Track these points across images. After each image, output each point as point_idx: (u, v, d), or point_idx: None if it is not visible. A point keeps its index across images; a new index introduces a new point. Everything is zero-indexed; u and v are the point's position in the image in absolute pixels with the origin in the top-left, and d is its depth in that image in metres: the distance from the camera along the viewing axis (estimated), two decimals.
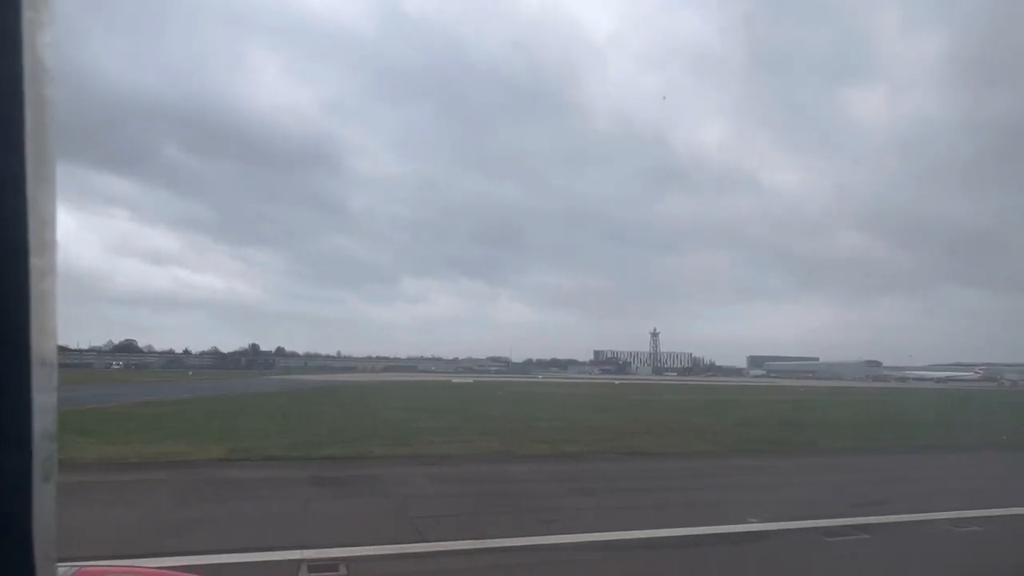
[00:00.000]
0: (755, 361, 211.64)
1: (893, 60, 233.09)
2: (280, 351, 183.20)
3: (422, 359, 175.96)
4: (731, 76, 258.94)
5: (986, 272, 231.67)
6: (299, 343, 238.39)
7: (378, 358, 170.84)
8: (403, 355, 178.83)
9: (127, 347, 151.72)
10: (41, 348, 0.57)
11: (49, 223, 0.58)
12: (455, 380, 71.93)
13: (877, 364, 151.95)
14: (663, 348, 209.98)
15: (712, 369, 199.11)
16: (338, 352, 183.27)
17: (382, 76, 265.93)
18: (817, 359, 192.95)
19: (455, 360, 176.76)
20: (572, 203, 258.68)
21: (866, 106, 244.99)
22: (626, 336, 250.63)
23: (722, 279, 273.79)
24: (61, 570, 1.74)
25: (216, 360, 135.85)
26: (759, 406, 35.59)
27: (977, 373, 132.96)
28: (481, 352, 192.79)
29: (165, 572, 3.52)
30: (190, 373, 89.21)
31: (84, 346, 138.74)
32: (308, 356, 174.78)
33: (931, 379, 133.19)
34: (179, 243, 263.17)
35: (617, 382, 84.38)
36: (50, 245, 0.58)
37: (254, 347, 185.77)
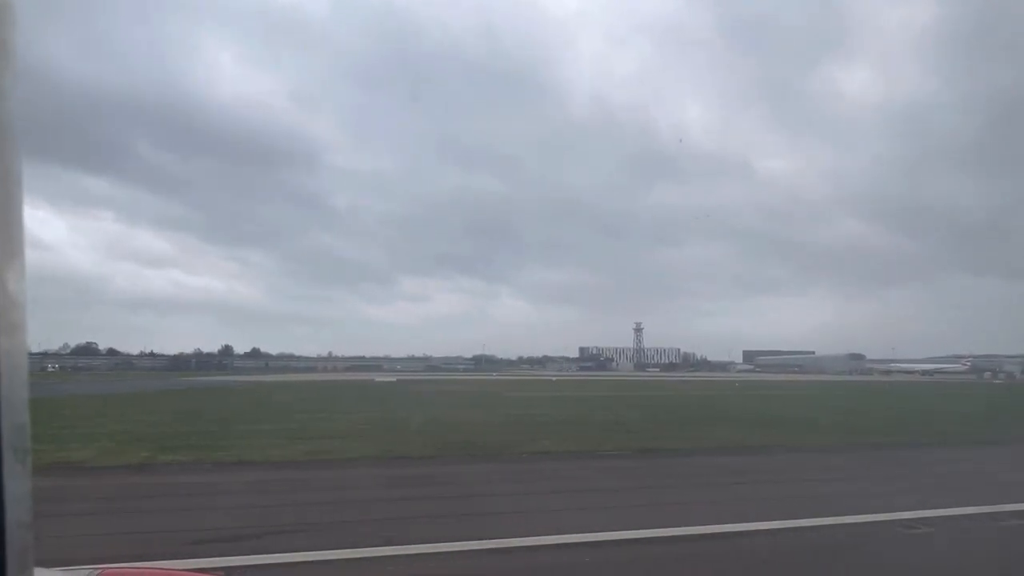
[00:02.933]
0: (749, 356, 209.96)
1: (884, 32, 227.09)
2: (255, 352, 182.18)
3: (413, 358, 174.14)
4: (715, 55, 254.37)
5: (988, 260, 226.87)
6: (285, 344, 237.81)
7: (348, 358, 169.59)
8: (401, 354, 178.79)
9: (85, 350, 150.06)
10: (8, 321, 0.53)
11: (15, 210, 0.52)
12: (377, 379, 69.60)
13: (860, 357, 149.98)
14: (657, 344, 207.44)
15: (698, 364, 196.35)
16: (329, 353, 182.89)
17: (350, 67, 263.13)
18: (813, 353, 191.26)
19: (428, 358, 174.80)
20: (559, 195, 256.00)
21: (856, 84, 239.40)
22: (622, 332, 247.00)
23: (720, 272, 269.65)
24: (84, 572, 1.82)
25: (169, 362, 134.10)
26: (617, 404, 32.93)
27: (965, 365, 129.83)
28: (471, 350, 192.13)
29: (187, 573, 3.46)
30: (129, 374, 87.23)
31: (37, 349, 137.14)
32: (281, 357, 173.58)
33: (917, 371, 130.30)
34: (161, 243, 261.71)
35: (554, 379, 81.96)
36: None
37: (227, 348, 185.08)
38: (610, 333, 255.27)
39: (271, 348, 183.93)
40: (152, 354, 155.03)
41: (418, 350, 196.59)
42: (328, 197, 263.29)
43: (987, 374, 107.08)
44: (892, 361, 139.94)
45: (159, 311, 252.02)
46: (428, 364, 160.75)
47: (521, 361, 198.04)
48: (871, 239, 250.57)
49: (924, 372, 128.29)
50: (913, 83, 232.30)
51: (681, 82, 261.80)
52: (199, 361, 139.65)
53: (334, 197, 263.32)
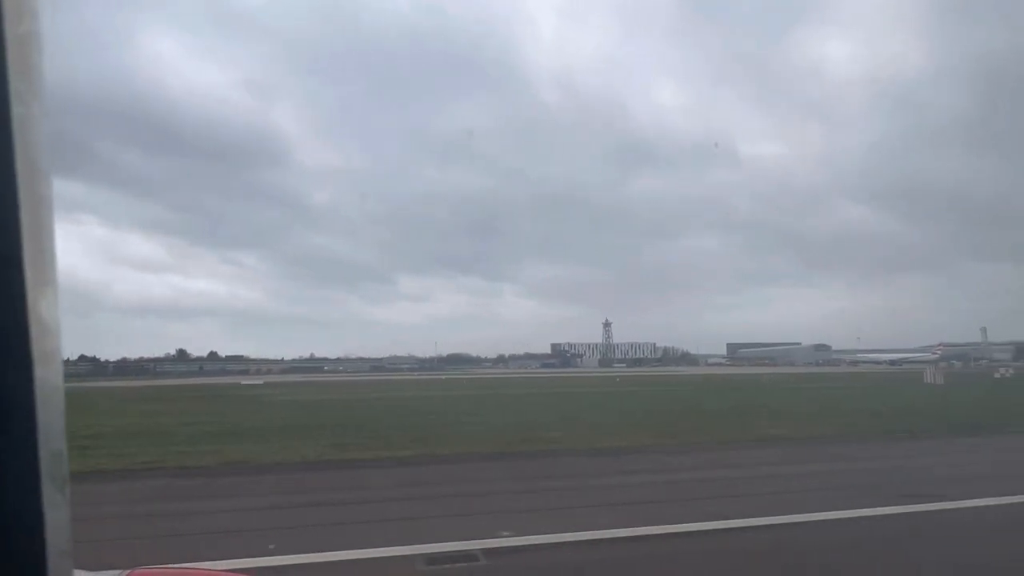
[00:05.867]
0: (733, 349, 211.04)
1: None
2: (213, 355, 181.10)
3: (395, 357, 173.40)
4: (698, 34, 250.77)
5: (995, 245, 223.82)
6: (269, 346, 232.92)
7: (304, 360, 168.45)
8: (382, 354, 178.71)
9: None
10: (42, 348, 0.56)
11: (47, 236, 0.56)
12: (243, 383, 68.66)
13: (826, 348, 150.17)
14: (645, 339, 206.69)
15: (673, 359, 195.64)
16: (311, 354, 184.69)
17: (322, 63, 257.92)
18: (799, 344, 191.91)
19: (383, 358, 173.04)
20: (539, 188, 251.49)
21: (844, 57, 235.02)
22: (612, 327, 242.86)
23: (711, 265, 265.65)
24: (114, 574, 1.85)
25: (92, 367, 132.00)
26: (400, 410, 30.56)
27: (935, 354, 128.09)
28: (457, 348, 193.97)
29: (217, 573, 3.60)
30: None
31: None
32: (231, 359, 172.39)
33: (884, 362, 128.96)
34: (148, 246, 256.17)
35: (443, 378, 79.65)
36: (48, 256, 0.57)
37: (181, 352, 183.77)
38: (598, 328, 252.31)
39: (256, 351, 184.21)
40: (96, 359, 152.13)
41: (402, 350, 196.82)
42: (306, 196, 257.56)
43: (942, 364, 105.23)
44: (860, 351, 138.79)
45: (131, 314, 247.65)
46: (373, 364, 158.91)
47: (496, 359, 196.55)
48: (868, 226, 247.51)
49: (891, 362, 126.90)
50: (912, 56, 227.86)
51: (659, 64, 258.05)
52: (117, 366, 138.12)
53: (311, 195, 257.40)
